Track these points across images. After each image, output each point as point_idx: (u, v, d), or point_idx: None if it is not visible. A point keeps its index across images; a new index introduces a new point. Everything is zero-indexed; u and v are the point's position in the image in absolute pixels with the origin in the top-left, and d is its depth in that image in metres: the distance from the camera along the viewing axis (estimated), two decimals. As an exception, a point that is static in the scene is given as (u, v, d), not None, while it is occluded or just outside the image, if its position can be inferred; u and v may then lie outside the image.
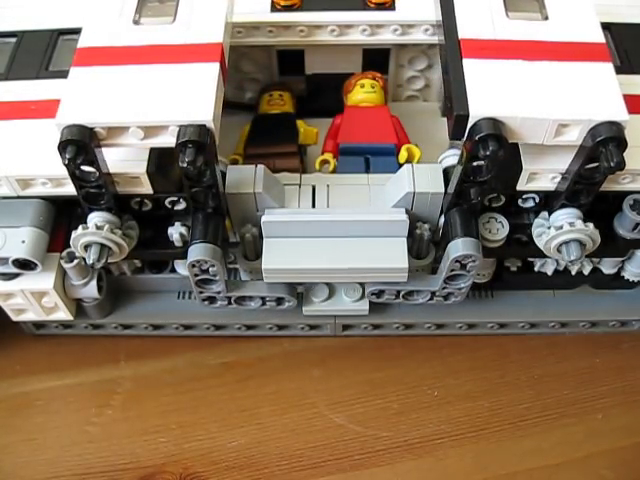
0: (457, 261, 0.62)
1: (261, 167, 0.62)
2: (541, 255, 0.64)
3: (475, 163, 0.56)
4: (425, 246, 0.66)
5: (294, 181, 0.65)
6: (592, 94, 0.53)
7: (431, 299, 0.69)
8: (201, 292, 0.67)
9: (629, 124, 0.52)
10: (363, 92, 0.75)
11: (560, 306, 0.76)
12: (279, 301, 0.70)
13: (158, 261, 0.74)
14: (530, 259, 0.71)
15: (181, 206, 0.62)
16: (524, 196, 0.62)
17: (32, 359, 0.77)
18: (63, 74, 0.57)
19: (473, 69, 0.55)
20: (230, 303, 0.69)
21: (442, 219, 0.64)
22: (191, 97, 0.54)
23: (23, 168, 0.60)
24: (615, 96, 0.53)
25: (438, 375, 0.76)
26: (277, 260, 0.63)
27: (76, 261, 0.65)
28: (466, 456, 0.70)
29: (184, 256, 0.62)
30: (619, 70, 0.56)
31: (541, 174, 0.59)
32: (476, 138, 0.52)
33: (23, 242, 0.62)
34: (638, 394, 0.74)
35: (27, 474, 0.70)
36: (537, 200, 0.62)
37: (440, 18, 0.60)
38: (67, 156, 0.52)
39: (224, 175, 0.62)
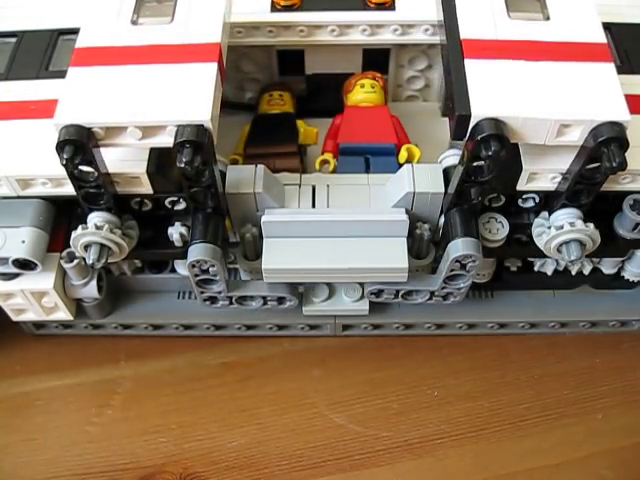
0: (457, 261, 0.62)
1: (261, 167, 0.62)
2: (541, 255, 0.64)
3: (476, 163, 0.56)
4: (425, 246, 0.66)
5: (294, 181, 0.65)
6: (594, 94, 0.53)
7: (430, 299, 0.69)
8: (202, 292, 0.67)
9: (630, 124, 0.52)
10: (363, 92, 0.75)
11: (560, 306, 0.76)
12: (280, 300, 0.70)
13: (158, 261, 0.74)
14: (530, 259, 0.71)
15: (181, 206, 0.62)
16: (524, 196, 0.62)
17: (32, 359, 0.77)
18: (63, 74, 0.57)
19: (475, 69, 0.55)
20: (231, 303, 0.69)
21: (442, 219, 0.64)
22: (189, 97, 0.54)
23: (23, 168, 0.60)
24: (617, 96, 0.53)
25: (438, 375, 0.76)
26: (277, 260, 0.63)
27: (76, 261, 0.65)
28: (466, 456, 0.70)
29: (184, 256, 0.62)
30: (619, 70, 0.56)
31: (541, 174, 0.59)
32: (478, 138, 0.52)
33: (23, 242, 0.62)
34: (638, 394, 0.74)
35: (27, 474, 0.70)
36: (537, 200, 0.62)
37: (441, 18, 0.60)
38: (65, 156, 0.52)
39: (224, 175, 0.62)
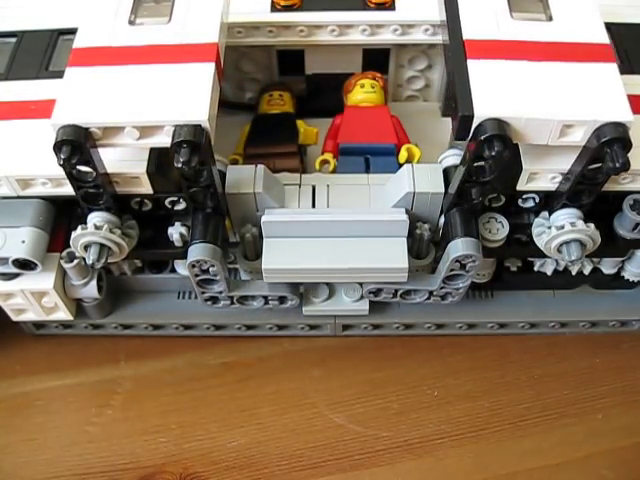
0: (457, 261, 0.62)
1: (261, 167, 0.62)
2: (541, 255, 0.64)
3: (478, 163, 0.56)
4: (425, 246, 0.66)
5: (294, 181, 0.65)
6: (597, 95, 0.53)
7: (428, 299, 0.69)
8: (203, 292, 0.67)
9: (631, 125, 0.52)
10: (363, 92, 0.75)
11: (560, 306, 0.76)
12: (282, 300, 0.70)
13: (158, 261, 0.74)
14: (530, 259, 0.71)
15: (181, 206, 0.62)
16: (524, 196, 0.62)
17: (32, 359, 0.77)
18: (63, 74, 0.57)
19: (478, 70, 0.55)
20: (233, 303, 0.69)
21: (442, 219, 0.64)
22: (186, 97, 0.54)
23: (23, 168, 0.60)
24: (620, 97, 0.53)
25: (438, 375, 0.76)
26: (277, 260, 0.63)
27: (76, 261, 0.65)
28: (466, 456, 0.70)
29: (184, 256, 0.62)
30: (619, 70, 0.56)
31: (541, 174, 0.59)
32: (481, 138, 0.52)
33: (23, 242, 0.62)
34: (638, 394, 0.74)
35: (27, 474, 0.70)
36: (537, 200, 0.62)
37: (444, 18, 0.60)
38: (62, 156, 0.52)
39: (224, 175, 0.62)
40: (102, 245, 0.61)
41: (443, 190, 0.61)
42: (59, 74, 0.59)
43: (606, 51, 0.56)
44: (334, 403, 0.74)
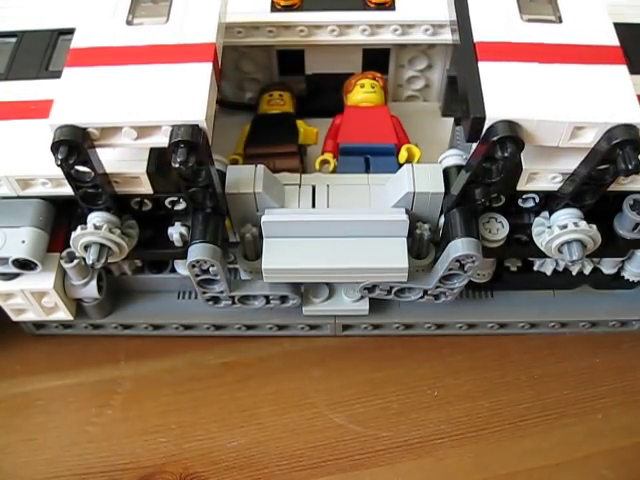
0: (457, 261, 0.62)
1: (261, 167, 0.62)
2: (541, 255, 0.64)
3: (485, 165, 0.56)
4: (425, 246, 0.66)
5: (294, 181, 0.65)
6: (607, 97, 0.54)
7: (422, 297, 0.69)
8: (204, 292, 0.67)
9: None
10: (363, 92, 0.75)
11: (560, 306, 0.76)
12: (283, 299, 0.70)
13: (158, 261, 0.74)
14: (530, 259, 0.71)
15: (181, 206, 0.62)
16: (524, 196, 0.62)
17: (32, 359, 0.77)
18: (63, 74, 0.58)
19: (489, 72, 0.55)
20: (234, 303, 0.69)
21: (442, 219, 0.64)
22: (184, 97, 0.54)
23: (23, 168, 0.60)
24: (630, 99, 0.53)
25: (438, 375, 0.76)
26: (277, 260, 0.63)
27: (76, 261, 0.65)
28: (466, 456, 0.70)
29: (184, 256, 0.62)
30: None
31: (541, 174, 0.59)
32: (493, 140, 0.52)
33: (23, 242, 0.62)
34: (638, 394, 0.74)
35: (27, 474, 0.70)
36: (537, 200, 0.62)
37: (454, 19, 0.60)
38: (59, 157, 0.52)
39: (224, 175, 0.62)
40: (102, 245, 0.61)
41: (443, 190, 0.61)
42: (59, 74, 0.59)
43: (616, 53, 0.56)
44: (334, 403, 0.74)
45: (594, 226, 0.60)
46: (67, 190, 0.60)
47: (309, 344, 0.78)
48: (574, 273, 0.72)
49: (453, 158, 0.63)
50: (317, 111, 0.79)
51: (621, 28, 0.59)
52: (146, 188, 0.60)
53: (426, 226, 0.64)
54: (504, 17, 0.59)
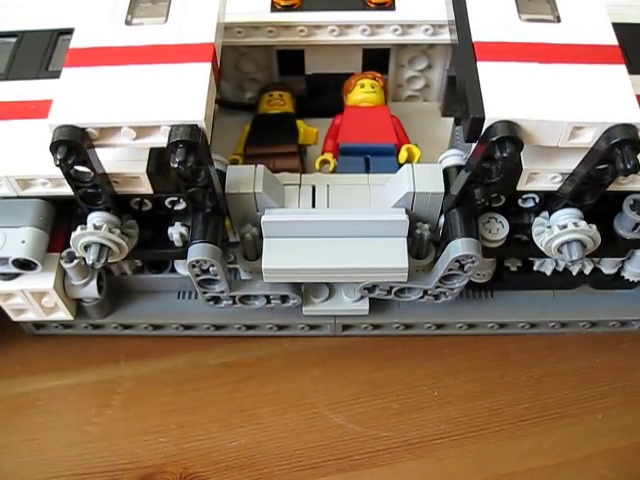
0: (456, 261, 0.62)
1: (261, 167, 0.62)
2: (541, 255, 0.64)
3: (484, 165, 0.56)
4: (425, 246, 0.66)
5: (294, 181, 0.65)
6: (606, 96, 0.54)
7: (422, 297, 0.69)
8: (205, 292, 0.67)
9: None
10: (363, 92, 0.75)
11: (560, 306, 0.76)
12: (284, 299, 0.70)
13: (158, 261, 0.74)
14: (530, 259, 0.71)
15: (181, 206, 0.62)
16: (524, 196, 0.62)
17: (32, 359, 0.77)
18: (62, 74, 0.58)
19: (488, 72, 0.55)
20: (235, 303, 0.69)
21: (442, 219, 0.64)
22: (182, 97, 0.54)
23: (23, 168, 0.60)
24: (629, 98, 0.53)
25: (438, 375, 0.76)
26: (277, 260, 0.63)
27: (76, 261, 0.65)
28: (466, 456, 0.70)
29: (184, 256, 0.62)
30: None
31: (541, 174, 0.59)
32: (493, 140, 0.52)
33: (23, 242, 0.62)
34: (638, 394, 0.74)
35: (27, 474, 0.70)
36: (537, 200, 0.62)
37: (452, 19, 0.60)
38: (58, 157, 0.52)
39: (224, 175, 0.62)
40: (102, 245, 0.61)
41: (443, 190, 0.61)
42: (59, 74, 0.59)
43: (615, 53, 0.56)
44: (334, 403, 0.74)
45: (594, 226, 0.60)
46: (67, 190, 0.60)
47: (309, 344, 0.78)
48: (574, 273, 0.72)
49: (453, 158, 0.63)
50: (317, 111, 0.79)
51: (621, 28, 0.59)
52: (146, 188, 0.60)
53: (426, 226, 0.64)
54: (502, 17, 0.59)
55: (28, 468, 0.70)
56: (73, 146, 0.53)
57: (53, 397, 0.75)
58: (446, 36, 0.71)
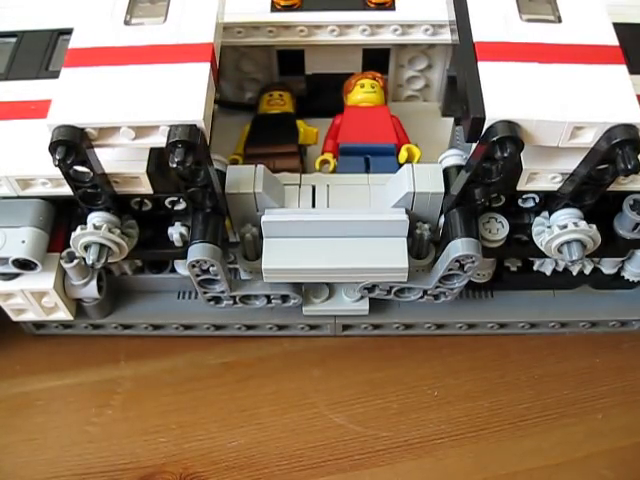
0: (456, 261, 0.62)
1: (261, 167, 0.62)
2: (541, 255, 0.64)
3: (485, 164, 0.56)
4: (425, 246, 0.66)
5: (294, 181, 0.65)
6: (607, 96, 0.54)
7: (422, 297, 0.69)
8: (205, 292, 0.67)
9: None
10: (363, 92, 0.75)
11: (560, 306, 0.76)
12: (284, 298, 0.70)
13: (158, 261, 0.74)
14: (530, 259, 0.71)
15: (181, 206, 0.62)
16: (524, 196, 0.62)
17: (32, 359, 0.77)
18: (62, 74, 0.58)
19: (488, 72, 0.55)
20: (235, 302, 0.69)
21: (442, 219, 0.64)
22: (181, 97, 0.54)
23: (23, 168, 0.60)
24: (630, 99, 0.53)
25: (438, 375, 0.76)
26: (277, 260, 0.63)
27: (76, 261, 0.65)
28: (466, 456, 0.70)
29: (184, 256, 0.62)
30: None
31: (541, 174, 0.59)
32: (493, 140, 0.52)
33: (23, 242, 0.62)
34: (638, 394, 0.74)
35: (27, 474, 0.70)
36: (537, 200, 0.62)
37: (453, 19, 0.60)
38: (57, 157, 0.52)
39: (224, 175, 0.62)
40: (102, 245, 0.61)
41: (443, 190, 0.61)
42: (59, 74, 0.59)
43: (615, 53, 0.56)
44: (334, 403, 0.74)
45: (594, 226, 0.60)
46: (67, 190, 0.60)
47: (309, 344, 0.78)
48: (574, 273, 0.72)
49: (453, 158, 0.63)
50: (317, 111, 0.79)
51: (621, 28, 0.59)
52: (146, 188, 0.60)
53: (426, 226, 0.64)
54: (503, 17, 0.59)
55: (28, 468, 0.70)
56: (72, 146, 0.53)
57: (53, 397, 0.75)
58: (446, 36, 0.71)
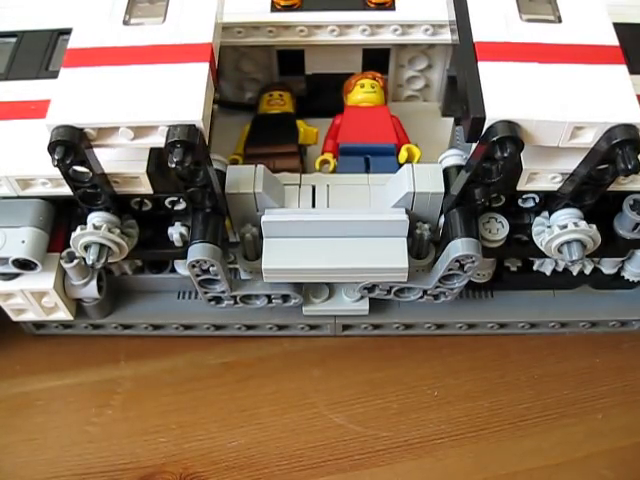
0: (456, 261, 0.62)
1: (261, 167, 0.62)
2: (541, 255, 0.64)
3: (485, 164, 0.56)
4: (425, 246, 0.66)
5: (294, 181, 0.65)
6: (607, 97, 0.54)
7: (422, 297, 0.69)
8: (206, 292, 0.67)
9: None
10: (363, 92, 0.75)
11: (560, 306, 0.76)
12: (285, 298, 0.70)
13: (158, 261, 0.74)
14: (530, 259, 0.71)
15: (181, 206, 0.62)
16: (524, 196, 0.62)
17: (32, 359, 0.77)
18: (62, 74, 0.58)
19: (488, 72, 0.55)
20: (236, 302, 0.69)
21: (442, 219, 0.64)
22: (180, 97, 0.54)
23: (23, 168, 0.60)
24: (630, 98, 0.53)
25: (438, 375, 0.76)
26: (277, 260, 0.63)
27: (76, 261, 0.65)
28: (466, 456, 0.70)
29: (184, 256, 0.62)
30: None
31: (541, 174, 0.59)
32: (494, 140, 0.52)
33: (23, 242, 0.62)
34: (638, 394, 0.74)
35: (27, 474, 0.70)
36: (537, 200, 0.62)
37: (453, 19, 0.60)
38: (56, 157, 0.52)
39: (224, 175, 0.62)
40: (102, 245, 0.61)
41: (443, 190, 0.61)
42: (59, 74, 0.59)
43: (616, 53, 0.56)
44: (334, 403, 0.74)
45: (594, 226, 0.60)
46: (67, 190, 0.60)
47: (309, 344, 0.78)
48: (574, 273, 0.72)
49: (453, 158, 0.63)
50: (317, 111, 0.79)
51: (621, 28, 0.59)
52: (146, 188, 0.60)
53: (426, 226, 0.64)
54: (503, 17, 0.59)
55: (28, 468, 0.70)
56: (71, 146, 0.53)
57: (53, 397, 0.75)
58: (446, 36, 0.71)
